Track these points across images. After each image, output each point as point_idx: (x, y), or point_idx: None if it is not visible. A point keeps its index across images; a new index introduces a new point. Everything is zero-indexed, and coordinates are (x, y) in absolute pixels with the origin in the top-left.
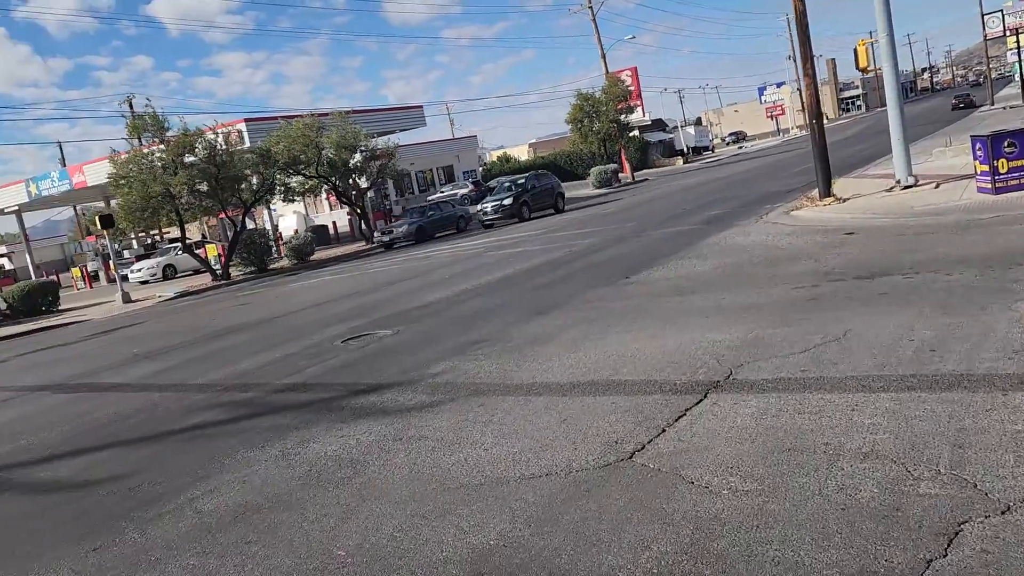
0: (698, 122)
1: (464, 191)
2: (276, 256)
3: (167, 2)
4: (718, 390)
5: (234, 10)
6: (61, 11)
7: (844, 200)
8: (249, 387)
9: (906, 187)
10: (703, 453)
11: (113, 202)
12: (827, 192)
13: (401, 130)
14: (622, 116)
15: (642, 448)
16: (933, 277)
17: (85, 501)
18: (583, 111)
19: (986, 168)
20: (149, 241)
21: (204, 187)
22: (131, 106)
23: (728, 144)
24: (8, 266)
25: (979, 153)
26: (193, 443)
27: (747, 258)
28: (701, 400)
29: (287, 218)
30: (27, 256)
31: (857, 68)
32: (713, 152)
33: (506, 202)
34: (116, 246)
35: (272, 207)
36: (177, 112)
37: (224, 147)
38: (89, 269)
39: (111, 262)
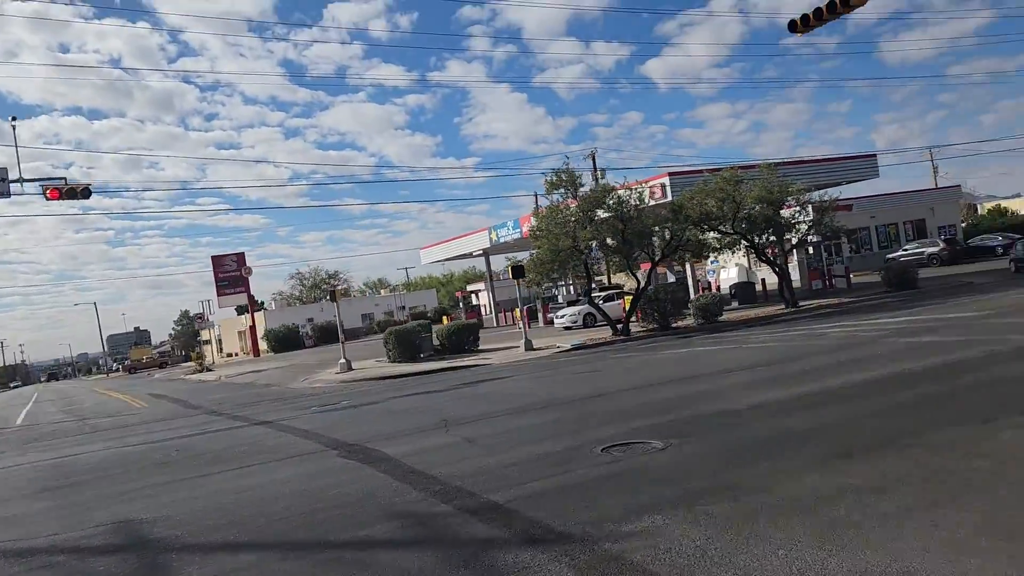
0: None
1: (933, 249)
2: (686, 312)
3: (660, 62)
4: None
5: (721, 63)
6: (569, 78)
7: None
8: (462, 495)
9: None
10: None
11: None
12: None
13: (848, 182)
14: None
15: None
16: None
17: None
18: None
19: None
20: (593, 286)
21: (612, 242)
22: (594, 160)
23: None
24: (475, 302)
25: None
26: (317, 570)
27: None
28: None
29: (729, 270)
30: (489, 295)
31: None
32: None
33: None
34: (554, 290)
35: (714, 259)
36: (660, 164)
37: (635, 203)
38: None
39: (522, 308)
